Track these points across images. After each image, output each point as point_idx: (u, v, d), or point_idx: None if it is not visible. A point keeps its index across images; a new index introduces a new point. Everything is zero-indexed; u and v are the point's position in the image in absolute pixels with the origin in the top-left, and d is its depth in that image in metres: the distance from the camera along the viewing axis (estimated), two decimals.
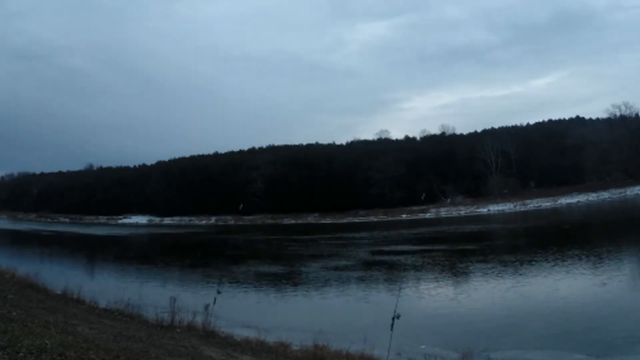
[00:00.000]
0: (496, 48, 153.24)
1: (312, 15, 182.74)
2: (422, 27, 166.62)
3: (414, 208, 61.98)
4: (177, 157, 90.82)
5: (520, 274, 16.03)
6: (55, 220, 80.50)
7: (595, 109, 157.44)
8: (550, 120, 78.05)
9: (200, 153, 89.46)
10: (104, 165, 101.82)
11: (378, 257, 23.22)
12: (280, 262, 23.18)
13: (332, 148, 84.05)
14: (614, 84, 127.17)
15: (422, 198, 62.08)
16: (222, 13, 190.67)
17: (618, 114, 62.70)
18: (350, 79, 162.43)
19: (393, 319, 7.12)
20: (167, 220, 74.80)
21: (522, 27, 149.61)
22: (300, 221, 63.34)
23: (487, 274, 16.62)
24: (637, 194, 49.72)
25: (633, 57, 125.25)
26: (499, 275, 16.27)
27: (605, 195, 52.28)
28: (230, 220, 69.49)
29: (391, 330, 7.11)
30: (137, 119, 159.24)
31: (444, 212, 58.69)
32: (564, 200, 53.54)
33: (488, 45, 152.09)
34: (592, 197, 52.89)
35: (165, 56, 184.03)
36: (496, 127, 78.33)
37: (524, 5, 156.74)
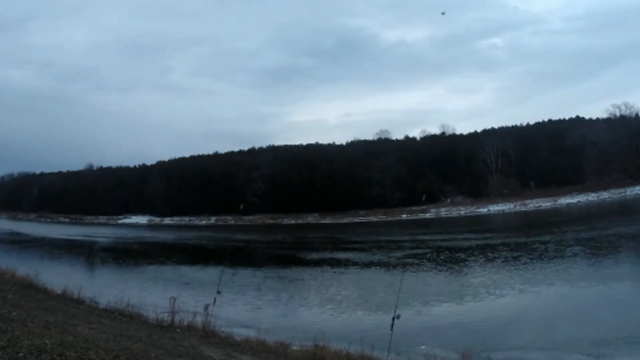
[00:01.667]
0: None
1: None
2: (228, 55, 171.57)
3: (414, 208, 61.98)
4: (177, 157, 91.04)
5: None
6: (55, 221, 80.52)
7: (595, 109, 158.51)
8: (550, 120, 77.95)
9: (200, 153, 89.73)
10: (104, 165, 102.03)
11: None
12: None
13: (332, 148, 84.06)
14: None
15: (423, 199, 62.07)
16: None
17: (618, 114, 62.75)
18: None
19: (393, 319, 7.12)
20: (167, 221, 74.80)
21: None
22: (300, 221, 63.35)
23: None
24: (637, 194, 49.73)
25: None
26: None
27: (605, 195, 52.30)
28: (230, 220, 69.49)
29: (391, 330, 7.11)
30: None
31: (444, 212, 58.71)
32: (564, 200, 53.54)
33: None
34: (592, 197, 52.91)
35: None
36: (496, 127, 78.46)
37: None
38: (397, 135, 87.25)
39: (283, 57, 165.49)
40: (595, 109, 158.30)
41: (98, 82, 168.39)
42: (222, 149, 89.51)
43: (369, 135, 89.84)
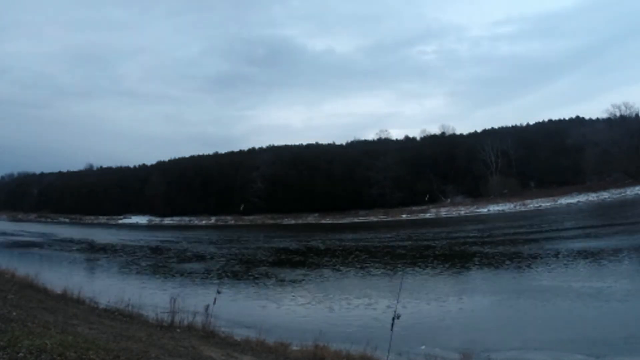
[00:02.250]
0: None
1: None
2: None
3: (414, 208, 61.99)
4: (177, 157, 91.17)
5: None
6: (55, 221, 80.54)
7: (595, 109, 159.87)
8: (550, 120, 78.09)
9: (200, 153, 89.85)
10: (104, 165, 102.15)
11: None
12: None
13: (332, 148, 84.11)
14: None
15: (426, 199, 61.99)
16: None
17: (618, 114, 62.70)
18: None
19: (393, 319, 7.12)
20: (167, 221, 74.81)
21: None
22: (300, 221, 63.36)
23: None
24: (637, 194, 49.71)
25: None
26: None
27: (605, 195, 52.29)
28: (230, 220, 69.52)
29: (391, 330, 7.11)
30: None
31: (444, 212, 58.73)
32: (564, 200, 53.53)
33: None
34: (592, 197, 52.90)
35: None
36: (496, 127, 78.49)
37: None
38: (368, 135, 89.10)
39: (223, 65, 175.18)
40: (596, 109, 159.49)
41: (59, 88, 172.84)
42: (193, 152, 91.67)
43: (333, 138, 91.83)
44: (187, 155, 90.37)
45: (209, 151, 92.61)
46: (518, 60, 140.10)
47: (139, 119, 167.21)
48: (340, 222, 58.80)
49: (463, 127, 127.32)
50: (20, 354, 4.15)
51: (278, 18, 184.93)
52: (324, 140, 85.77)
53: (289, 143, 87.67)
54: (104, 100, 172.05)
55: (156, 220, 76.54)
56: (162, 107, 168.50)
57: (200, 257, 26.47)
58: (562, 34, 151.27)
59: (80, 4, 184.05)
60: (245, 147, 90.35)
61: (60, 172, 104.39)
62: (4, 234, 45.61)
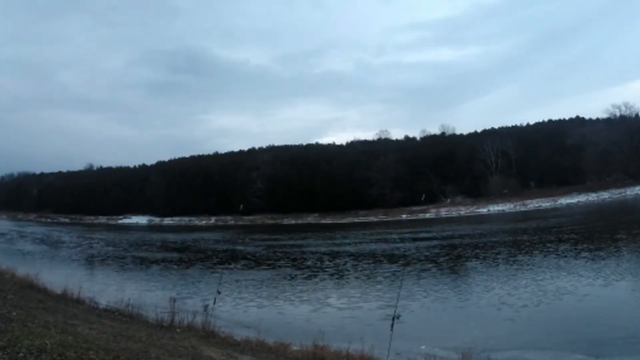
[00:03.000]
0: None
1: None
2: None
3: (414, 208, 62.00)
4: (177, 157, 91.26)
5: None
6: (55, 221, 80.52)
7: (595, 109, 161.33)
8: (550, 120, 78.17)
9: (200, 153, 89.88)
10: (104, 165, 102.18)
11: None
12: None
13: (332, 148, 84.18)
14: None
15: (422, 198, 62.07)
16: None
17: (618, 114, 62.73)
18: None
19: (393, 319, 7.12)
20: (167, 221, 74.78)
21: None
22: (300, 221, 63.35)
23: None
24: (637, 194, 49.73)
25: None
26: None
27: (605, 195, 52.29)
28: (230, 220, 69.51)
29: (391, 330, 7.12)
30: None
31: (444, 212, 58.71)
32: (564, 201, 53.54)
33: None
34: (592, 197, 52.90)
35: None
36: (496, 127, 78.54)
37: None
38: (326, 140, 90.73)
39: (153, 74, 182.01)
40: (596, 109, 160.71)
41: (15, 95, 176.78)
42: (162, 156, 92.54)
43: (287, 141, 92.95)
44: (187, 155, 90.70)
45: (172, 153, 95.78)
46: (437, 67, 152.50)
47: (93, 123, 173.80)
48: (340, 222, 58.79)
49: (461, 127, 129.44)
50: (20, 354, 4.15)
51: (185, 31, 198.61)
52: (278, 142, 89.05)
53: (320, 141, 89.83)
54: (56, 106, 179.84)
55: (156, 220, 76.52)
56: (115, 113, 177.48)
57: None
58: (471, 39, 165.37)
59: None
60: (211, 149, 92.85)
61: (60, 172, 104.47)
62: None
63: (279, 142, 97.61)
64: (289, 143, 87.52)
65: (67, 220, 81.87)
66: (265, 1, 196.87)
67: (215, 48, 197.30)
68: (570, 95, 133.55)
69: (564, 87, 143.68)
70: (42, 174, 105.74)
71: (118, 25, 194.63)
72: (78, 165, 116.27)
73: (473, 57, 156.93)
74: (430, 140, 78.01)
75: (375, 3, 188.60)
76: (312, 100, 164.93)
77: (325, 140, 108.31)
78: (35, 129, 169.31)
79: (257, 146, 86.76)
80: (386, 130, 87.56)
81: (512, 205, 55.84)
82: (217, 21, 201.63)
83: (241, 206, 56.98)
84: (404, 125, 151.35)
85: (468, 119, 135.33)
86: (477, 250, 22.70)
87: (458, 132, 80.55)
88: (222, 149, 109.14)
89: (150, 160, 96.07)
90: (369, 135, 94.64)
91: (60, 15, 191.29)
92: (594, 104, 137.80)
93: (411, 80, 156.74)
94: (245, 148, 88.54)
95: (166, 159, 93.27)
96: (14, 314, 6.48)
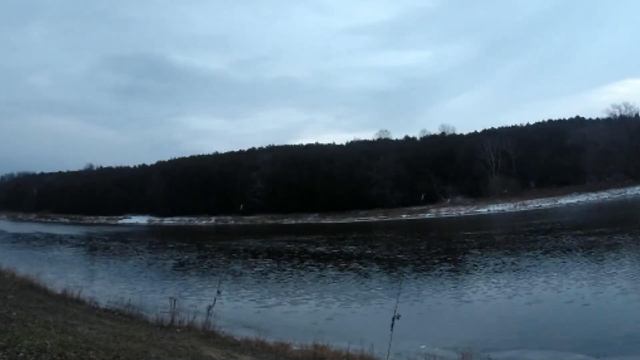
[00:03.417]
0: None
1: None
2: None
3: (414, 208, 62.03)
4: (177, 157, 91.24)
5: None
6: (55, 221, 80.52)
7: (595, 109, 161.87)
8: (550, 120, 78.08)
9: (200, 153, 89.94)
10: (104, 165, 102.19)
11: None
12: None
13: (332, 148, 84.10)
14: None
15: (422, 198, 62.14)
16: None
17: (618, 114, 62.69)
18: None
19: (393, 319, 7.12)
20: (167, 221, 74.76)
21: None
22: (300, 221, 63.34)
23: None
24: (637, 194, 49.71)
25: None
26: None
27: (605, 195, 52.28)
28: (230, 220, 69.50)
29: (391, 330, 7.12)
30: None
31: (444, 212, 58.72)
32: (564, 201, 53.53)
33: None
34: (592, 197, 52.89)
35: None
36: (496, 127, 78.51)
37: None
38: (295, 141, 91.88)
39: (118, 79, 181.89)
40: (596, 109, 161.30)
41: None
42: (136, 156, 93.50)
43: (261, 143, 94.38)
44: (187, 155, 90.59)
45: (153, 154, 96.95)
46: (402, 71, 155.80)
47: (71, 125, 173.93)
48: (340, 222, 58.79)
49: (462, 127, 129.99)
50: (20, 354, 4.16)
51: (139, 39, 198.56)
52: (257, 145, 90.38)
53: (320, 141, 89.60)
54: (30, 110, 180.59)
55: (156, 220, 76.50)
56: (91, 115, 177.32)
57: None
58: (419, 43, 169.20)
59: None
60: (191, 150, 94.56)
61: (60, 172, 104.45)
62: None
63: (257, 143, 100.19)
64: (267, 144, 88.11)
65: (67, 220, 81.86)
66: (210, 10, 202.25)
67: (171, 54, 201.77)
68: (540, 99, 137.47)
69: (530, 91, 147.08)
70: (42, 174, 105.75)
71: (75, 34, 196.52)
72: (78, 165, 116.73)
73: (425, 60, 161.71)
74: (430, 140, 77.99)
75: (312, 11, 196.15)
76: (278, 104, 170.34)
77: (299, 141, 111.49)
78: (11, 132, 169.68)
79: (256, 146, 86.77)
80: (386, 131, 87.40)
81: (512, 206, 55.83)
82: (169, 29, 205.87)
83: (241, 206, 57.07)
84: (374, 127, 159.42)
85: (435, 121, 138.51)
86: (477, 251, 22.72)
87: (458, 132, 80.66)
88: (202, 151, 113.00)
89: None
90: (369, 135, 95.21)
91: (21, 25, 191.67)
92: (561, 107, 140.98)
93: (370, 84, 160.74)
94: (224, 150, 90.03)
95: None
96: (14, 314, 6.49)
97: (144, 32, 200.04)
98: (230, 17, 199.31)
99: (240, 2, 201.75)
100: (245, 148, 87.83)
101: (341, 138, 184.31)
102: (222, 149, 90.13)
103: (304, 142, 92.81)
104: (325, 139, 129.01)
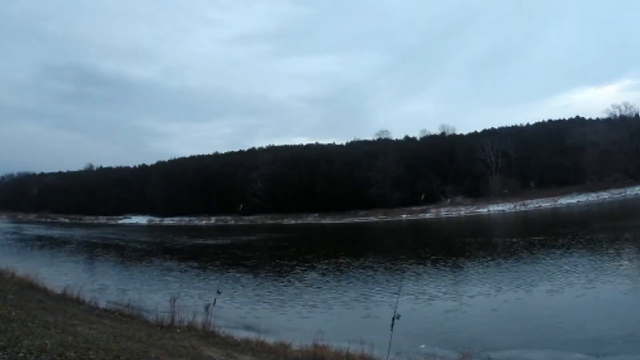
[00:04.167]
0: None
1: None
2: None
3: (414, 208, 61.99)
4: (177, 157, 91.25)
5: None
6: (55, 221, 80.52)
7: (595, 109, 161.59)
8: (550, 120, 78.07)
9: (201, 153, 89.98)
10: (104, 165, 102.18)
11: None
12: None
13: (332, 148, 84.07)
14: None
15: (422, 198, 62.10)
16: None
17: (618, 114, 62.72)
18: None
19: (393, 319, 7.12)
20: (167, 221, 74.75)
21: None
22: (300, 221, 63.33)
23: None
24: (637, 194, 49.71)
25: None
26: None
27: (605, 195, 52.27)
28: (230, 220, 69.46)
29: (391, 330, 7.11)
30: None
31: (444, 212, 58.70)
32: (564, 201, 53.51)
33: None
34: (592, 197, 52.87)
35: None
36: (496, 127, 78.46)
37: None
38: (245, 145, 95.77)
39: (58, 86, 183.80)
40: (596, 109, 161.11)
41: None
42: (222, 150, 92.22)
43: (216, 148, 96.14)
44: (187, 155, 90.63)
45: (121, 156, 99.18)
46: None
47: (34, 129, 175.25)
48: (340, 222, 58.77)
49: (462, 127, 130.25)
50: (20, 354, 4.16)
51: (68, 50, 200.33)
52: (223, 149, 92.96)
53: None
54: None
55: (156, 220, 76.48)
56: (50, 120, 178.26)
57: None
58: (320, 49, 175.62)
59: None
60: (156, 153, 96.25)
61: (60, 172, 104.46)
62: None
63: (219, 148, 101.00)
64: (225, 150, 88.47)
65: (67, 220, 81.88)
66: (118, 24, 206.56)
67: (102, 63, 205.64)
68: (484, 107, 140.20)
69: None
70: (42, 174, 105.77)
71: (5, 47, 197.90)
72: (78, 165, 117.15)
73: (335, 65, 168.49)
74: (430, 141, 77.93)
75: (200, 23, 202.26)
76: (221, 109, 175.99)
77: (251, 145, 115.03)
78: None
79: (257, 146, 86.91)
80: (386, 131, 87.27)
81: (512, 206, 55.82)
82: (94, 41, 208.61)
83: (241, 206, 56.99)
84: (326, 131, 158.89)
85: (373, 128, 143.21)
86: (477, 251, 22.72)
87: (458, 132, 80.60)
88: (167, 154, 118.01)
89: (150, 160, 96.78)
90: (369, 135, 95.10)
91: None
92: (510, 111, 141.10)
93: (299, 91, 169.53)
94: (223, 151, 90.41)
95: (167, 159, 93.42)
96: (14, 314, 6.49)
97: (69, 44, 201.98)
98: (143, 29, 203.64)
99: (140, 17, 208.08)
100: (245, 148, 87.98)
101: (299, 141, 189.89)
102: (188, 153, 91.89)
103: (252, 145, 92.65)
104: (278, 142, 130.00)
